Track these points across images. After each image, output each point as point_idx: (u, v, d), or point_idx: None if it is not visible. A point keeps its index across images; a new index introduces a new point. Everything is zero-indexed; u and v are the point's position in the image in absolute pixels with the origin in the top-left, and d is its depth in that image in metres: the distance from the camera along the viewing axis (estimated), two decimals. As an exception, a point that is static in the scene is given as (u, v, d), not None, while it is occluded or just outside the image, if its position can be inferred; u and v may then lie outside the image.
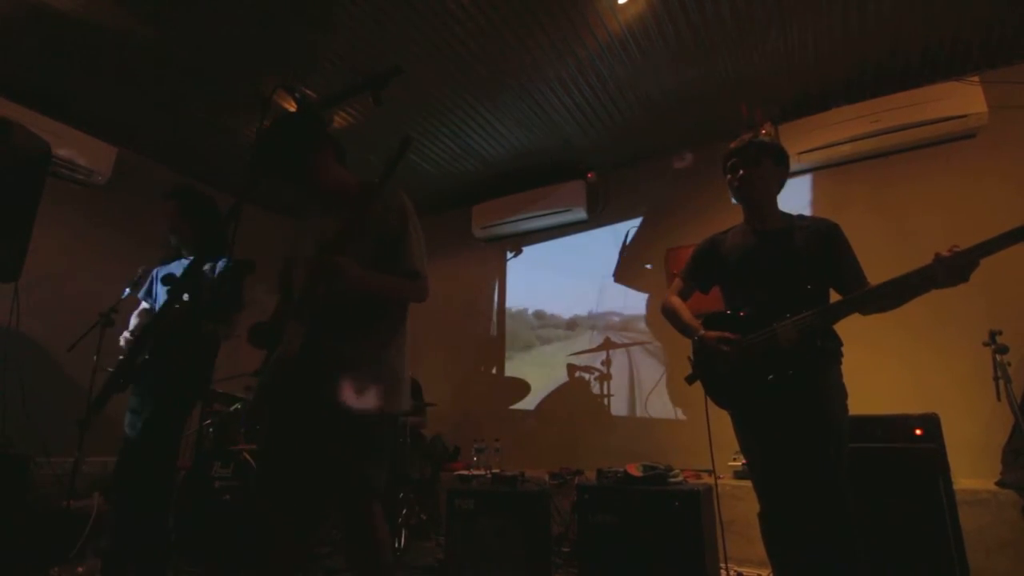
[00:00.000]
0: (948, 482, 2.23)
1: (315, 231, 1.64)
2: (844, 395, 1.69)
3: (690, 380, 1.91)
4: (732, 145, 1.87)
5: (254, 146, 1.62)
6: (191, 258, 2.54)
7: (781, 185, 1.88)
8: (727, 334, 1.75)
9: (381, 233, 1.59)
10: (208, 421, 3.27)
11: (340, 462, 1.46)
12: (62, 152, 3.56)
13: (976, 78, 3.26)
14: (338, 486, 1.48)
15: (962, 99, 3.24)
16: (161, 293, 2.57)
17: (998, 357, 2.31)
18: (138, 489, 2.25)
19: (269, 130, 1.60)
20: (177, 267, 2.58)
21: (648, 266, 4.32)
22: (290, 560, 1.49)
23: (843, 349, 1.73)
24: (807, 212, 2.13)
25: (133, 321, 2.60)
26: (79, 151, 3.73)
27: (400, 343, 1.63)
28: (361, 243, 1.53)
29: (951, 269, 1.44)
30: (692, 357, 1.90)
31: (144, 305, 2.62)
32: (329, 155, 1.68)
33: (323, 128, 1.68)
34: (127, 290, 2.73)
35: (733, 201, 1.94)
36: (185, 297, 2.26)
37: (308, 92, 3.51)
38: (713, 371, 1.81)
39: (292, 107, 3.41)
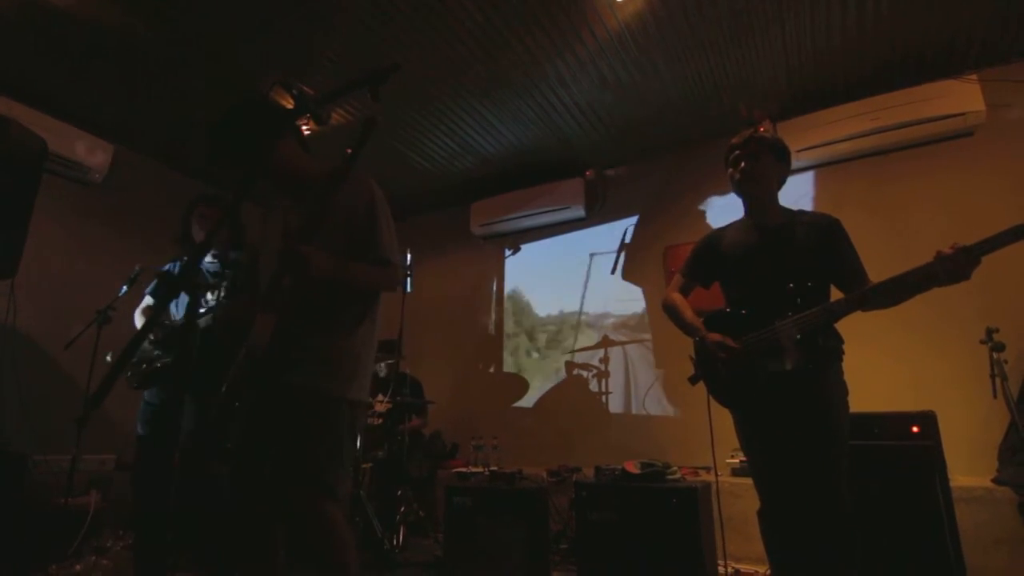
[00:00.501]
0: (945, 479, 2.24)
1: (283, 220, 1.62)
2: (845, 393, 1.69)
3: (693, 380, 1.91)
4: (734, 140, 1.87)
5: (213, 136, 1.54)
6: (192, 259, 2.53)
7: (782, 182, 1.88)
8: (728, 341, 1.75)
9: (351, 221, 1.55)
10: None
11: (288, 442, 1.41)
12: (59, 149, 3.53)
13: (974, 76, 3.27)
14: (289, 470, 1.41)
15: (960, 97, 3.25)
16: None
17: (995, 355, 2.31)
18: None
19: (229, 118, 1.54)
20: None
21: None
22: (266, 551, 1.47)
23: (843, 347, 1.73)
24: (806, 209, 2.13)
25: (138, 318, 2.58)
26: (76, 148, 3.70)
27: (368, 332, 1.59)
28: (331, 232, 1.50)
29: (953, 267, 1.44)
30: (694, 357, 1.90)
31: (148, 301, 2.60)
32: (292, 142, 1.63)
33: (283, 115, 1.62)
34: (124, 288, 2.72)
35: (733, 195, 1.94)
36: (211, 298, 2.27)
37: (306, 89, 3.49)
38: (715, 371, 1.81)
39: (290, 104, 3.39)
